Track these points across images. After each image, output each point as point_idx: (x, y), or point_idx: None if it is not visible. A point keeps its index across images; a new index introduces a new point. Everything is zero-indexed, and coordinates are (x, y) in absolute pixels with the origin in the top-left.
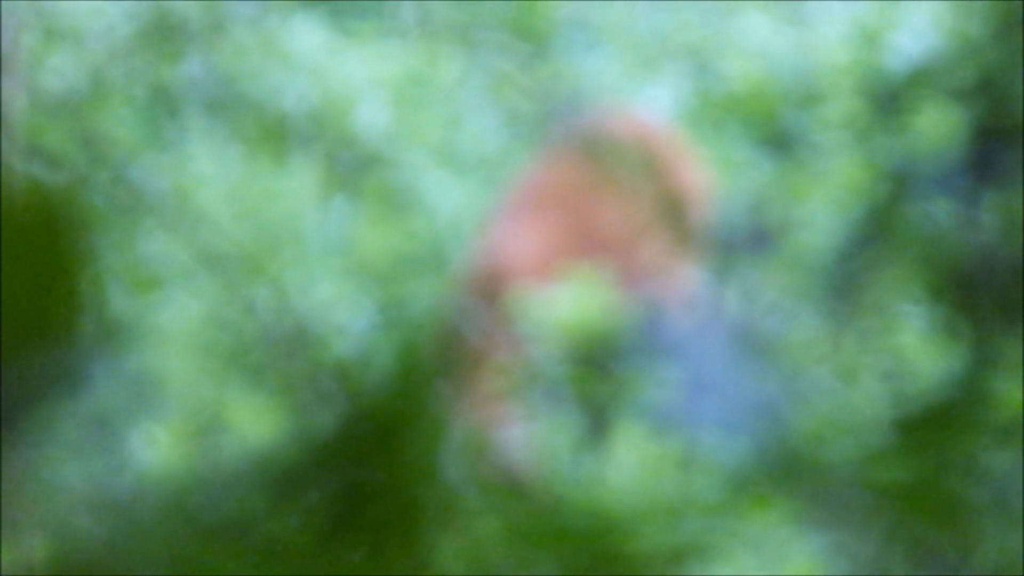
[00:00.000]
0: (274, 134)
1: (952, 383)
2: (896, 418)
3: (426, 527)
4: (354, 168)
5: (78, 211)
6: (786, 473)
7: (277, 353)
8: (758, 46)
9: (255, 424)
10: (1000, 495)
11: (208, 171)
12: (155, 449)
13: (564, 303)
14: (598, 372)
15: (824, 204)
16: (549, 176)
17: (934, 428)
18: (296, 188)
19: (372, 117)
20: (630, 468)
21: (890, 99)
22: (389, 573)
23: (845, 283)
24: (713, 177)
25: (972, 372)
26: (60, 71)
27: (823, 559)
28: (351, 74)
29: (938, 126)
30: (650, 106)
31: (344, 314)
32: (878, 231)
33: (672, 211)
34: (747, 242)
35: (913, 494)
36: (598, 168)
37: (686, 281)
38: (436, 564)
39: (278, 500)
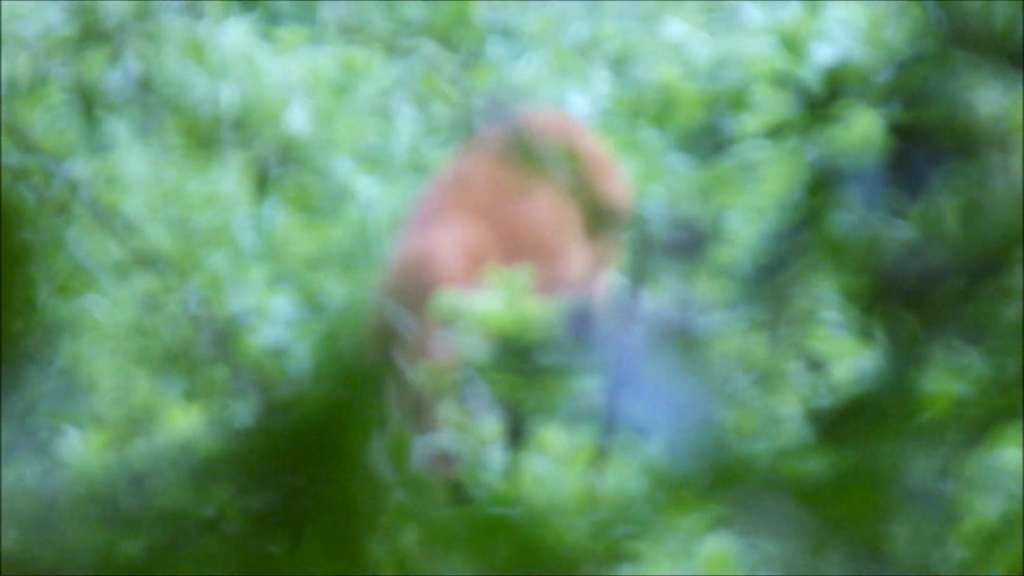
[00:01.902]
0: (204, 137)
1: (873, 382)
2: (816, 412)
3: (352, 522)
4: (282, 171)
5: (13, 208)
6: (709, 472)
7: (207, 351)
8: (680, 52)
9: (185, 421)
10: (924, 491)
11: (138, 172)
12: (85, 446)
13: (490, 306)
14: (523, 373)
15: (747, 210)
16: (476, 180)
17: (854, 422)
18: (225, 190)
19: (300, 121)
20: (554, 466)
21: (811, 106)
22: (312, 568)
23: (768, 289)
24: (634, 183)
25: (893, 372)
26: None
27: (740, 559)
28: (280, 79)
29: (859, 133)
30: (574, 111)
31: (273, 313)
32: (802, 238)
33: (595, 215)
34: (670, 247)
35: (832, 487)
36: (523, 172)
37: (609, 284)
38: (361, 559)
39: (204, 493)
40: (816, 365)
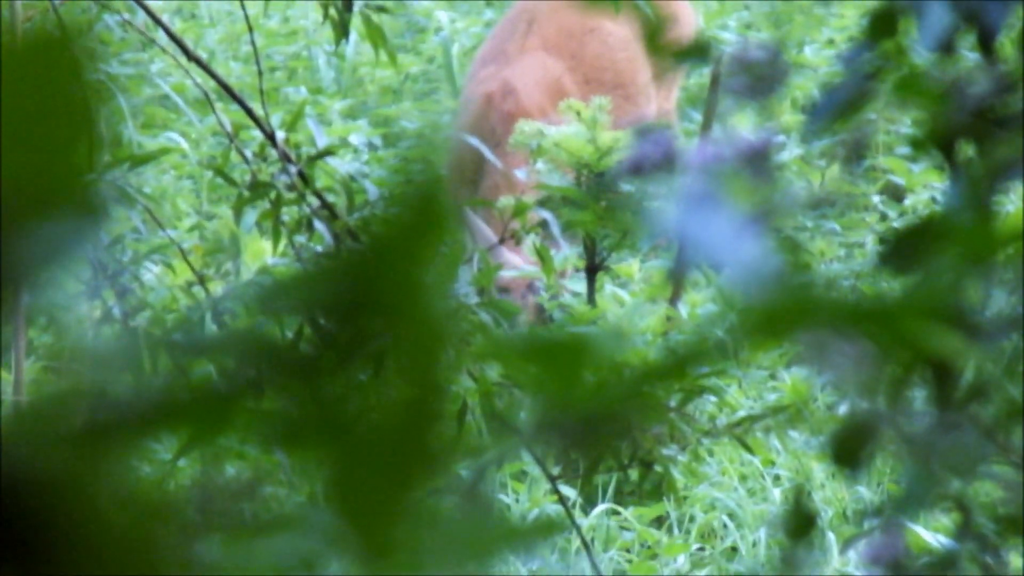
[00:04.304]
0: None
1: (945, 207)
2: (887, 235)
3: (433, 346)
4: (360, 5)
5: (100, 40)
6: (781, 302)
7: (287, 182)
8: None
9: (266, 251)
10: (995, 315)
11: (219, 8)
12: (168, 278)
13: (569, 138)
14: (601, 203)
15: (821, 44)
16: (552, 15)
17: (924, 244)
18: (304, 25)
19: None
20: (631, 295)
21: None
22: (390, 393)
23: (843, 120)
24: (709, 16)
25: (965, 199)
26: None
27: (812, 385)
28: None
29: None
30: None
31: (355, 144)
32: (876, 70)
33: (665, 48)
34: (742, 81)
35: (901, 309)
36: (597, 8)
37: (678, 112)
38: (442, 381)
39: (286, 320)
40: (893, 194)
